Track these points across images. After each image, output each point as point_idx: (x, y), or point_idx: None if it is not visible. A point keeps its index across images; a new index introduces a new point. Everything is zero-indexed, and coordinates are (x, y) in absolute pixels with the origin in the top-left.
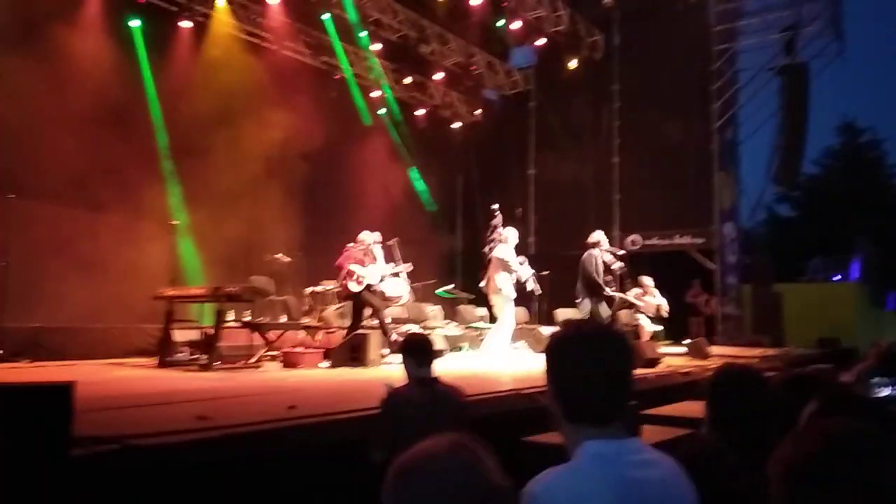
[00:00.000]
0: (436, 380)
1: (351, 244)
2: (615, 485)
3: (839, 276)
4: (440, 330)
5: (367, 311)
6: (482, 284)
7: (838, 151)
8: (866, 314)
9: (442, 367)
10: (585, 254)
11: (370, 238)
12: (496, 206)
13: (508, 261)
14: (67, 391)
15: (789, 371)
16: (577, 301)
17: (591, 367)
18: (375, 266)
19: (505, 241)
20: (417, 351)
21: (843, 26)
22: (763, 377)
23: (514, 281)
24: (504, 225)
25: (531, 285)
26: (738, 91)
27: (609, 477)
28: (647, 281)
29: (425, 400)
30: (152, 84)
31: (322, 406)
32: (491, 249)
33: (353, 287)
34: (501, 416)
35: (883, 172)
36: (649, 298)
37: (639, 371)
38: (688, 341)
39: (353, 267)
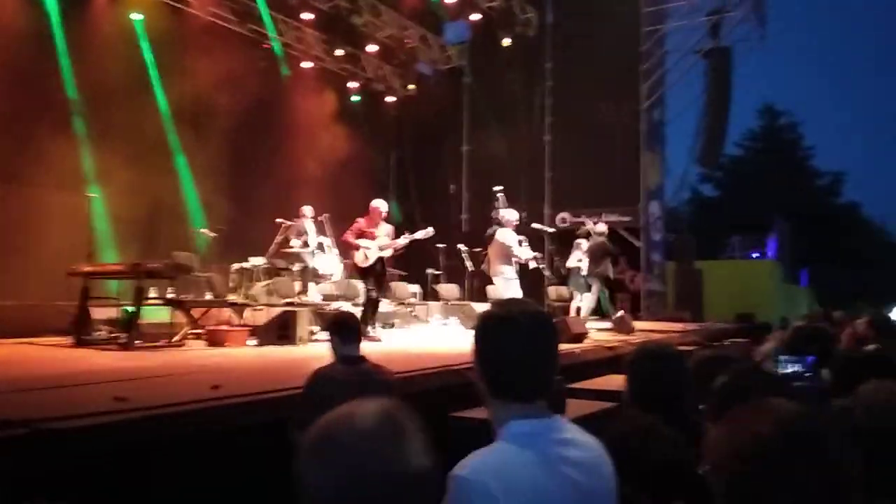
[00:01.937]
0: (361, 358)
1: (361, 219)
2: (541, 463)
3: (757, 254)
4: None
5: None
6: (483, 266)
7: (758, 133)
8: (781, 290)
9: (372, 345)
10: (599, 240)
11: (309, 212)
12: (499, 188)
13: (510, 245)
14: None
15: (704, 348)
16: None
17: (516, 345)
18: (374, 241)
19: (506, 223)
20: (343, 329)
21: (765, 12)
22: (679, 353)
23: (515, 262)
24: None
25: (533, 264)
26: (665, 73)
27: (535, 456)
28: None
29: (350, 379)
30: (65, 48)
31: (247, 385)
32: (493, 232)
33: (360, 261)
34: (430, 392)
35: (799, 154)
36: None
37: (565, 346)
38: (613, 316)
39: (361, 241)
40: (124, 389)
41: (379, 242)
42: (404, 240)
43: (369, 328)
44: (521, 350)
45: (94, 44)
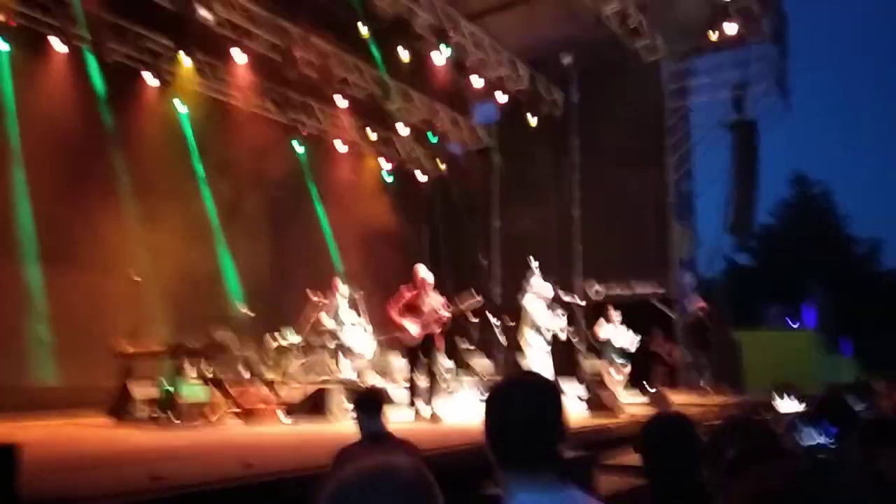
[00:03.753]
0: (388, 434)
1: (405, 289)
2: None
3: (797, 324)
4: (403, 384)
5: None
6: (516, 336)
7: (791, 203)
8: (823, 360)
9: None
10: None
11: (343, 289)
12: (533, 260)
13: (531, 312)
14: (12, 452)
15: (720, 419)
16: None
17: (515, 415)
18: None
19: (533, 291)
20: (366, 405)
21: (788, 85)
22: (691, 424)
23: (543, 331)
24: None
25: (563, 336)
26: (692, 146)
27: None
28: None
29: (375, 454)
30: (114, 134)
31: (279, 464)
32: (521, 301)
33: (408, 340)
34: (458, 469)
35: (834, 222)
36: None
37: (600, 421)
38: (651, 390)
39: (406, 322)
40: (161, 468)
41: (425, 318)
42: (449, 312)
43: (424, 406)
44: (517, 419)
45: (142, 131)
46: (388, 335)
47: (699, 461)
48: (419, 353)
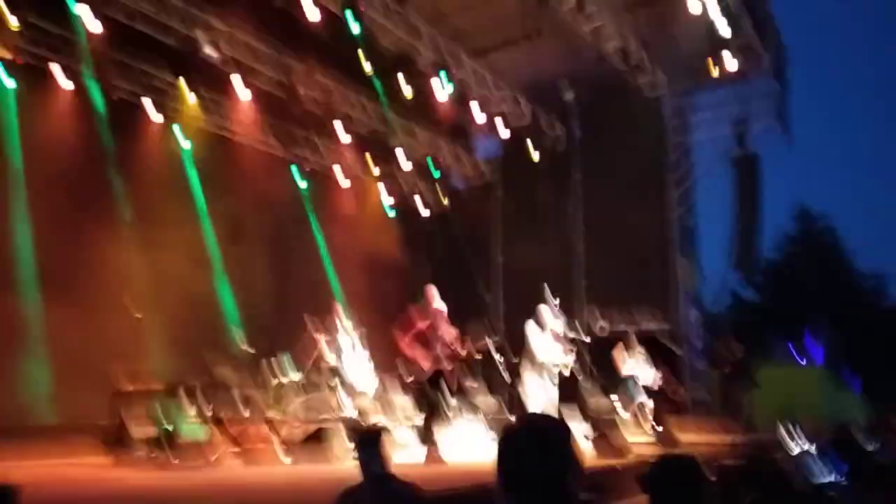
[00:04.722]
0: (390, 475)
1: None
2: None
3: (804, 360)
4: (407, 422)
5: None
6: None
7: (796, 237)
8: (832, 397)
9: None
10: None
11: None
12: (549, 292)
13: (535, 347)
14: (10, 495)
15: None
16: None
17: (531, 459)
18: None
19: (539, 324)
20: (367, 445)
21: (790, 119)
22: (698, 466)
23: (548, 366)
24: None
25: (567, 372)
26: (695, 181)
27: None
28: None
29: (378, 499)
30: (117, 167)
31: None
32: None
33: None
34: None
35: (839, 256)
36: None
37: (608, 461)
38: (658, 429)
39: (418, 353)
40: None
41: (437, 351)
42: (464, 350)
43: (430, 444)
44: (532, 463)
45: (145, 166)
46: (393, 373)
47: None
48: (427, 389)
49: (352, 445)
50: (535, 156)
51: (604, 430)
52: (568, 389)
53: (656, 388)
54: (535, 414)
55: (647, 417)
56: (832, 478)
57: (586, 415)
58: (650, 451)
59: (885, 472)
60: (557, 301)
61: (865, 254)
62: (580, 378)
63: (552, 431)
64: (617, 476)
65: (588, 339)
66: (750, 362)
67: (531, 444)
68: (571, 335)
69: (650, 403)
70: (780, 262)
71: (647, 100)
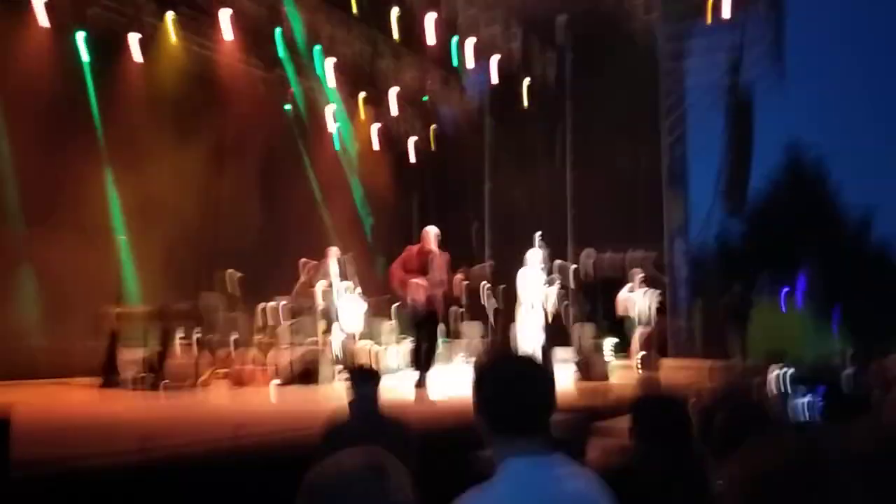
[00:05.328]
0: (380, 416)
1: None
2: (536, 499)
3: (787, 289)
4: (394, 347)
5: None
6: None
7: (785, 169)
8: (813, 329)
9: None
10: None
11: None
12: (539, 233)
13: (523, 285)
14: (4, 418)
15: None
16: None
17: (506, 389)
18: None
19: (528, 264)
20: (358, 380)
21: (784, 49)
22: (680, 398)
23: (536, 304)
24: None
25: (551, 308)
26: (686, 110)
27: (527, 492)
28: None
29: (365, 432)
30: (94, 91)
31: (268, 426)
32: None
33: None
34: (452, 437)
35: (827, 188)
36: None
37: (593, 384)
38: (640, 353)
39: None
40: (150, 430)
41: (433, 277)
42: (458, 278)
43: (420, 379)
44: (508, 392)
45: (124, 90)
46: (381, 297)
47: (686, 428)
48: (422, 320)
49: (339, 368)
50: (526, 82)
51: (587, 356)
52: (561, 333)
53: (653, 310)
54: (508, 348)
55: (637, 349)
56: (808, 398)
57: (571, 341)
58: (631, 376)
59: (856, 408)
60: (539, 235)
61: (854, 187)
62: (572, 310)
63: (526, 364)
64: (601, 400)
65: (573, 287)
66: (741, 300)
67: (507, 374)
68: (557, 262)
69: (639, 330)
70: (768, 193)
71: (639, 24)
